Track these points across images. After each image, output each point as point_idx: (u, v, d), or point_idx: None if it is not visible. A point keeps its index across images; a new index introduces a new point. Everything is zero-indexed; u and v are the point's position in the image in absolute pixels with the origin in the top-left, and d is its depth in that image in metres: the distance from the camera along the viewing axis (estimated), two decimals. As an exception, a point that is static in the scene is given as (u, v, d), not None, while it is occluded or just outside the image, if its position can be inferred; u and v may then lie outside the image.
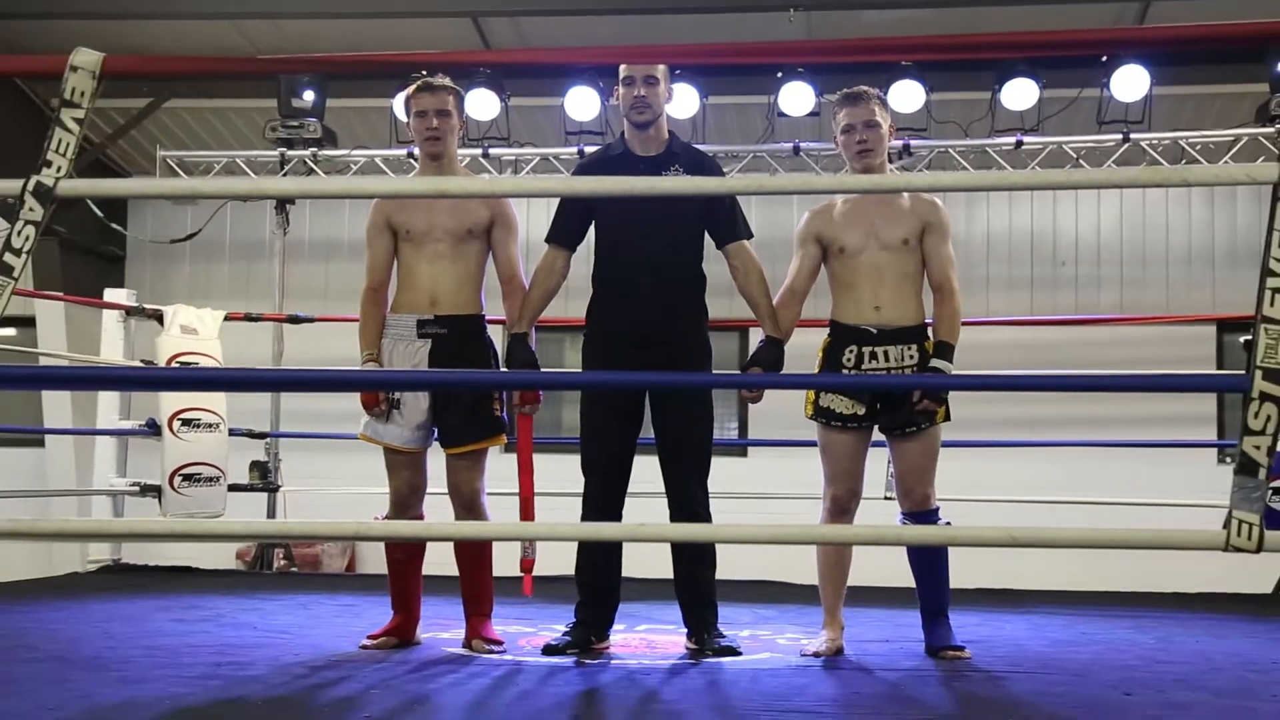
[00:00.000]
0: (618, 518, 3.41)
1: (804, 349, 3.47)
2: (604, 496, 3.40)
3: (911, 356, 3.32)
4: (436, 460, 3.49)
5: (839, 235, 3.40)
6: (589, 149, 6.61)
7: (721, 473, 3.53)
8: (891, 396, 3.31)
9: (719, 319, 3.59)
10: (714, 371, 3.85)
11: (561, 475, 6.29)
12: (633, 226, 3.38)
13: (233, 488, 5.88)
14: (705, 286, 3.49)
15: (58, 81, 2.42)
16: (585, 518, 3.40)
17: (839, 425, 3.35)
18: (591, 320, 3.47)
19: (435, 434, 3.47)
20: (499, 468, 3.62)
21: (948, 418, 3.40)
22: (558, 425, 7.81)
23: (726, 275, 3.50)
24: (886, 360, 3.31)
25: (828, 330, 3.42)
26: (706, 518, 3.39)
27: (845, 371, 3.34)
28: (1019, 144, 6.56)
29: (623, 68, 3.42)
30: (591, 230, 3.51)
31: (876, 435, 3.44)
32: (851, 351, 3.33)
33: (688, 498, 3.37)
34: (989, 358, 6.73)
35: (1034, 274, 7.99)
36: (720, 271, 3.50)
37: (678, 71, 6.33)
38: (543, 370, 3.70)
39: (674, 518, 3.39)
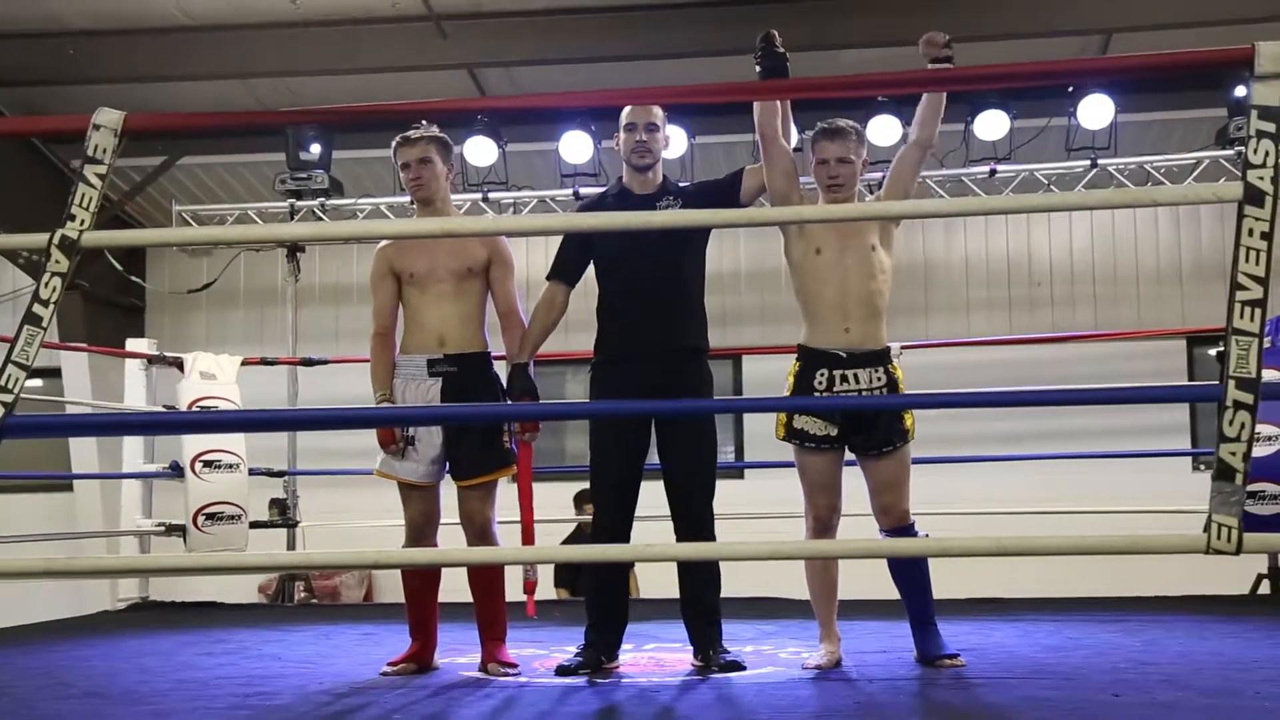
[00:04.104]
0: (626, 539, 3.41)
1: (782, 375, 3.47)
2: (613, 519, 3.40)
3: (879, 379, 3.30)
4: (449, 492, 3.50)
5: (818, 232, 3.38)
6: (584, 190, 6.67)
7: (719, 495, 3.53)
8: (863, 418, 3.29)
9: (714, 347, 3.61)
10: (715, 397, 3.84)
11: (567, 503, 6.31)
12: (632, 260, 3.41)
13: (254, 525, 5.85)
14: (705, 314, 3.51)
15: (78, 142, 2.45)
16: (594, 541, 3.39)
17: (812, 446, 3.33)
18: (599, 350, 3.48)
19: (447, 467, 3.48)
20: (509, 497, 3.63)
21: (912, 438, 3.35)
22: (561, 455, 7.82)
23: (717, 306, 3.52)
24: (857, 383, 3.30)
25: (795, 355, 3.39)
26: (711, 538, 3.39)
27: (818, 395, 3.31)
28: (993, 172, 6.62)
29: (625, 114, 3.46)
30: (593, 268, 3.52)
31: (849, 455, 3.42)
32: (823, 375, 3.32)
33: (693, 519, 3.38)
34: (971, 376, 6.75)
35: (1012, 295, 8.05)
36: (713, 304, 3.53)
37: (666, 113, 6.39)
38: (544, 401, 3.71)
39: (680, 538, 3.40)
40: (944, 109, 3.34)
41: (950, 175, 6.75)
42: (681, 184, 3.60)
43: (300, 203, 6.93)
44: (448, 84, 6.91)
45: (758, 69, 3.32)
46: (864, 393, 3.30)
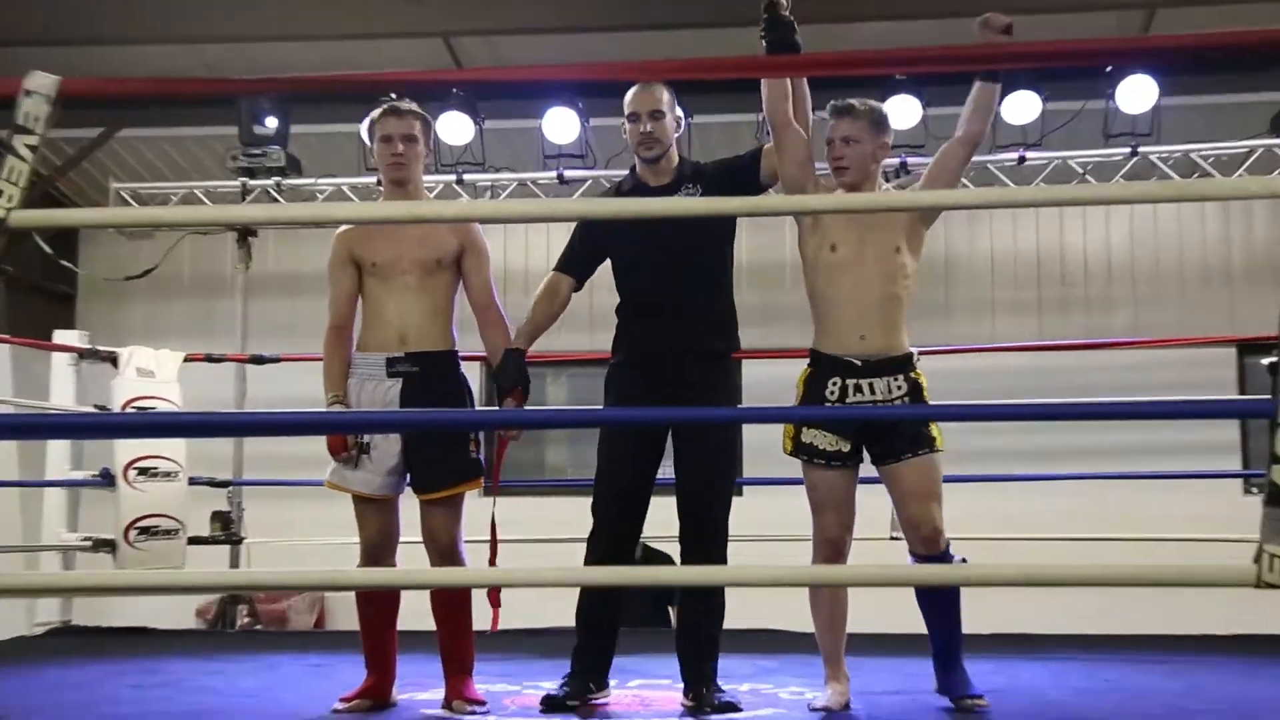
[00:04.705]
0: (629, 560, 3.44)
1: (784, 381, 3.47)
2: (612, 527, 3.42)
3: (900, 388, 3.29)
4: (410, 507, 3.47)
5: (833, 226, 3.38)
6: (569, 173, 6.68)
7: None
8: (881, 427, 3.30)
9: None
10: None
11: (549, 519, 6.28)
12: (648, 256, 3.46)
13: (193, 540, 5.81)
14: (733, 311, 3.54)
15: (5, 109, 2.42)
16: (591, 558, 3.39)
17: (822, 463, 3.33)
18: (616, 350, 3.54)
19: (408, 479, 3.45)
20: (478, 513, 3.60)
21: (940, 448, 3.33)
22: (540, 467, 7.79)
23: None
24: (873, 394, 3.29)
25: (808, 360, 3.41)
26: (722, 561, 3.38)
27: (830, 405, 3.32)
28: (1022, 160, 6.59)
29: (627, 102, 3.51)
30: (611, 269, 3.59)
31: (868, 472, 3.40)
32: (835, 384, 3.31)
33: (703, 538, 3.39)
34: (997, 385, 6.75)
35: (1041, 296, 8.04)
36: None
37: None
38: (526, 408, 3.71)
39: (686, 559, 3.42)
40: (997, 100, 3.34)
41: (975, 163, 6.68)
42: (702, 164, 3.63)
43: (253, 182, 6.86)
44: (420, 54, 6.86)
45: (763, 43, 3.31)
46: (880, 404, 3.30)
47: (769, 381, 4.11)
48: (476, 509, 3.59)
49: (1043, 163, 6.63)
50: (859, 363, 3.29)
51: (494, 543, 3.39)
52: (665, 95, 3.49)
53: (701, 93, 6.66)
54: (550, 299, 3.53)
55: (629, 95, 3.51)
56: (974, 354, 6.55)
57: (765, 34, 3.31)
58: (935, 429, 3.32)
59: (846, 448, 3.30)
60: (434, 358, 3.43)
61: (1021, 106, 6.46)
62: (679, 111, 3.58)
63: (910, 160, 6.55)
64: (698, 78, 6.68)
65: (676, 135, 3.56)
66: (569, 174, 6.67)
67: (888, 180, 6.01)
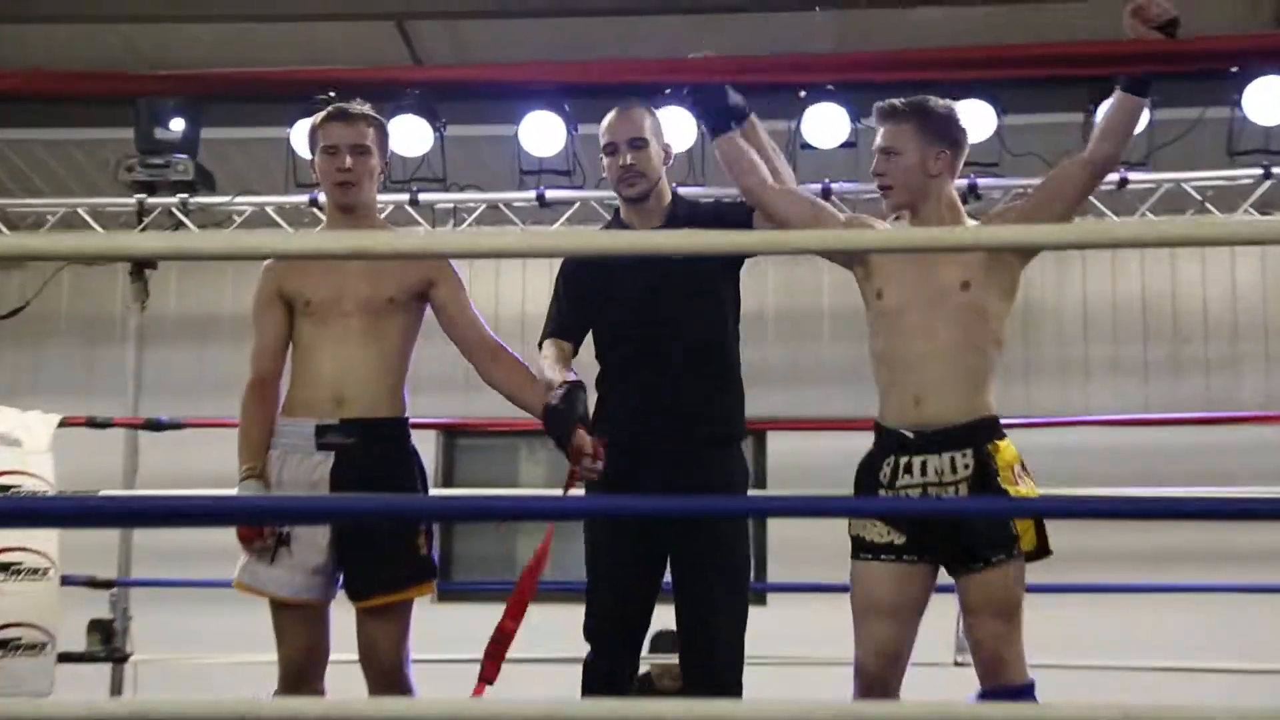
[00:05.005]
0: (624, 684, 3.55)
1: (818, 457, 3.48)
2: (610, 664, 3.52)
3: (965, 467, 3.28)
4: (345, 617, 3.45)
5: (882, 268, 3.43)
6: (552, 193, 6.66)
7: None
8: (938, 522, 3.30)
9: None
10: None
11: (522, 631, 6.23)
12: (636, 316, 3.63)
13: (64, 657, 5.79)
14: (739, 382, 3.70)
15: None
16: (586, 684, 3.50)
17: (869, 556, 3.32)
18: (596, 429, 3.62)
19: (340, 581, 3.45)
20: (428, 625, 3.59)
21: (1044, 550, 3.32)
22: (510, 562, 7.74)
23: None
24: (923, 475, 3.30)
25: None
26: (736, 689, 3.48)
27: (883, 492, 3.33)
28: (1123, 183, 6.56)
29: (602, 131, 3.68)
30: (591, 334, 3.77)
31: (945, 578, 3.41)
32: (890, 463, 3.34)
33: (710, 678, 3.45)
34: (1090, 469, 6.71)
35: (1148, 356, 8.03)
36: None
37: (667, 90, 6.40)
38: (493, 490, 3.75)
39: (689, 686, 3.53)
40: (1141, 118, 3.40)
41: None
42: (700, 199, 3.71)
43: (153, 200, 6.86)
44: (367, 41, 6.91)
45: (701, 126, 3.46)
46: (931, 489, 3.28)
47: (798, 457, 4.11)
48: (429, 618, 3.59)
49: (1150, 186, 6.61)
50: (911, 435, 3.31)
51: (497, 651, 3.36)
52: (648, 120, 3.65)
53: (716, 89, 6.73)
54: (564, 359, 3.64)
55: (604, 123, 3.68)
56: (1060, 428, 6.54)
57: (697, 113, 3.43)
58: (1028, 523, 3.28)
59: (901, 540, 3.30)
60: (377, 427, 3.46)
61: (1123, 116, 6.53)
62: (666, 140, 3.74)
63: (982, 182, 6.57)
64: (722, 80, 6.73)
65: (666, 166, 3.71)
66: (551, 194, 6.66)
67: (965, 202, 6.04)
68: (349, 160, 3.48)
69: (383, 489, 3.40)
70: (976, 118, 6.42)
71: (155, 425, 6.46)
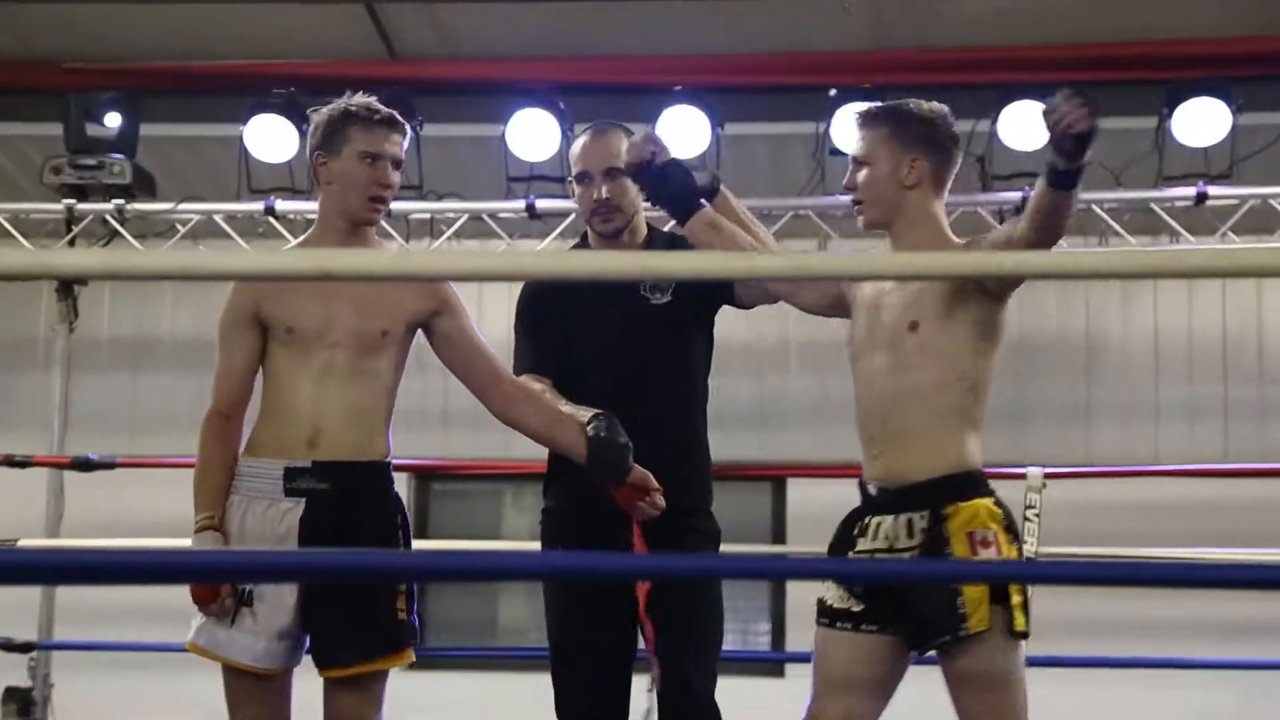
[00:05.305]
0: None
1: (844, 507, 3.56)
2: None
3: (923, 532, 3.29)
4: (308, 685, 3.49)
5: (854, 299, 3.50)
6: (543, 204, 6.69)
7: (748, 699, 3.59)
8: (893, 591, 3.30)
9: (744, 461, 3.69)
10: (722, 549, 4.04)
11: (504, 702, 6.19)
12: (612, 362, 3.74)
13: (-24, 730, 5.81)
14: (706, 442, 3.84)
15: None
16: None
17: (827, 621, 3.39)
18: (552, 490, 3.80)
19: (306, 646, 3.47)
20: (400, 695, 3.63)
21: (1013, 631, 3.23)
22: (492, 627, 7.73)
23: (753, 399, 3.63)
24: (874, 537, 3.35)
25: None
26: None
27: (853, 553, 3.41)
28: (1202, 198, 6.55)
29: (575, 157, 3.80)
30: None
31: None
32: (860, 523, 3.42)
33: (690, 709, 3.58)
34: (1160, 527, 6.67)
35: (1229, 397, 7.90)
36: (747, 395, 3.63)
37: (677, 88, 6.41)
38: (474, 543, 3.81)
39: None
40: (1068, 212, 3.19)
41: (1132, 200, 6.71)
42: (679, 232, 3.77)
43: (84, 206, 6.88)
44: (333, 29, 6.92)
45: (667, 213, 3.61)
46: (879, 554, 3.33)
47: (822, 506, 4.13)
48: (401, 687, 3.63)
49: (1233, 202, 6.61)
50: (874, 492, 3.40)
51: None
52: (626, 144, 3.66)
53: (733, 93, 6.77)
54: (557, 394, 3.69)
55: (577, 147, 3.80)
56: (1126, 480, 6.58)
57: (660, 203, 3.54)
58: (980, 598, 3.19)
59: (859, 607, 3.34)
60: (356, 471, 3.46)
61: (1202, 120, 6.42)
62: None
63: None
64: (734, 83, 6.68)
65: (644, 197, 3.75)
66: (543, 204, 6.70)
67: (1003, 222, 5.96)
68: (392, 175, 3.54)
69: (359, 542, 3.39)
70: (1028, 121, 6.35)
71: (83, 464, 6.44)
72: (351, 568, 3.21)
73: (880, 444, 3.36)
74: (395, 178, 3.56)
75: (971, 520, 3.26)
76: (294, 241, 6.58)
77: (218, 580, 3.33)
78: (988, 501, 3.30)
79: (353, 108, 3.55)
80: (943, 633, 3.21)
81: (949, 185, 3.49)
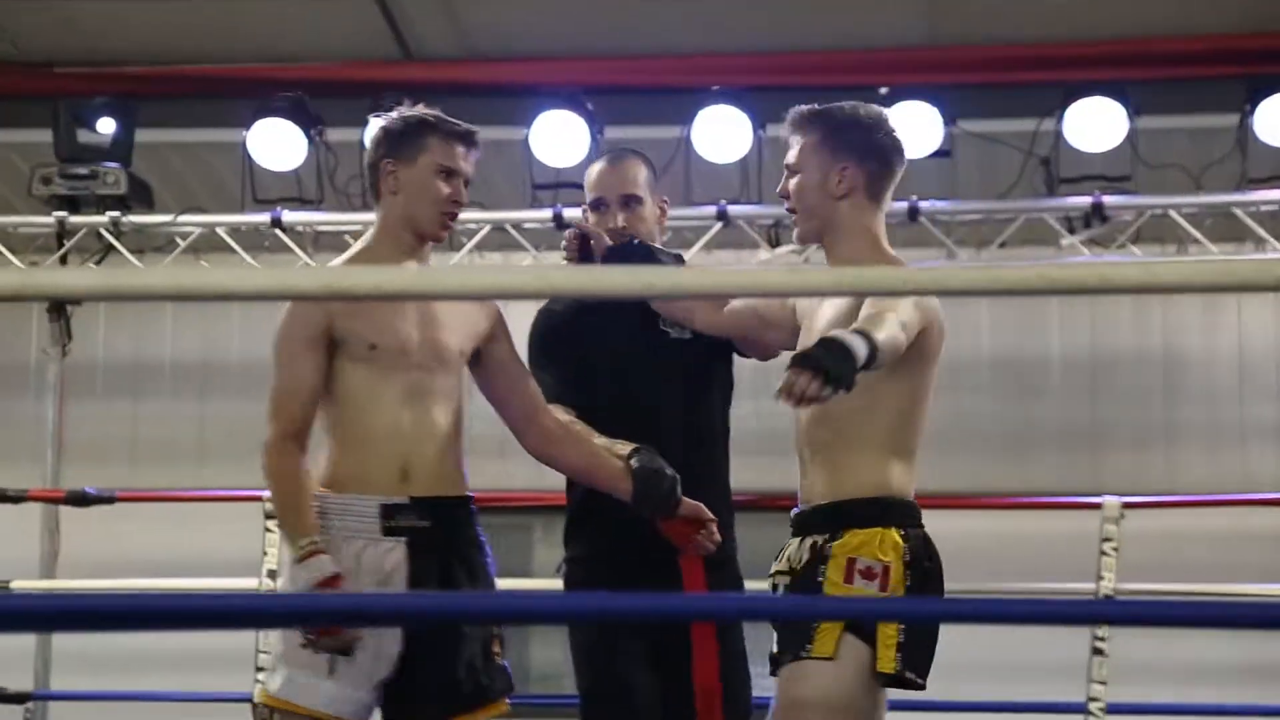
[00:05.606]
0: None
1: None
2: None
3: (804, 555, 3.38)
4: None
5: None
6: (570, 212, 6.61)
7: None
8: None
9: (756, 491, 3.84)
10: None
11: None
12: (628, 391, 3.87)
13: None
14: (729, 481, 3.97)
15: None
16: None
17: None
18: (574, 540, 3.96)
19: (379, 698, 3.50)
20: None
21: (881, 671, 3.34)
22: (524, 674, 7.68)
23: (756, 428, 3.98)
24: (780, 559, 3.49)
25: None
26: None
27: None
28: None
29: (590, 184, 3.97)
30: None
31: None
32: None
33: None
34: (1250, 559, 6.61)
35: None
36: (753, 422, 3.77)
37: (715, 88, 6.38)
38: (505, 589, 4.08)
39: None
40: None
41: (1213, 205, 6.67)
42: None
43: (77, 219, 6.89)
44: (344, 28, 6.93)
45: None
46: (780, 575, 3.44)
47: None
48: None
49: None
50: (793, 514, 3.53)
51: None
52: (643, 173, 3.93)
53: (774, 90, 6.69)
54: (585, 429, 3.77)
55: (593, 173, 3.98)
56: (1211, 509, 6.54)
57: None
58: (832, 626, 3.26)
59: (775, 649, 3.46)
60: (453, 508, 3.54)
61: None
62: (662, 199, 4.04)
63: (1109, 200, 6.53)
64: (796, 83, 6.63)
65: (661, 225, 4.01)
66: (571, 213, 6.59)
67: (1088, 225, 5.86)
68: (464, 193, 3.66)
69: (463, 584, 3.49)
70: (1103, 119, 6.42)
71: (80, 499, 6.41)
72: (481, 611, 3.06)
73: (804, 465, 3.46)
74: (466, 196, 3.69)
75: (860, 548, 3.33)
76: (303, 257, 6.69)
77: (343, 624, 3.21)
78: (893, 532, 3.34)
79: (431, 118, 3.66)
80: (786, 653, 3.32)
81: (888, 196, 3.55)
